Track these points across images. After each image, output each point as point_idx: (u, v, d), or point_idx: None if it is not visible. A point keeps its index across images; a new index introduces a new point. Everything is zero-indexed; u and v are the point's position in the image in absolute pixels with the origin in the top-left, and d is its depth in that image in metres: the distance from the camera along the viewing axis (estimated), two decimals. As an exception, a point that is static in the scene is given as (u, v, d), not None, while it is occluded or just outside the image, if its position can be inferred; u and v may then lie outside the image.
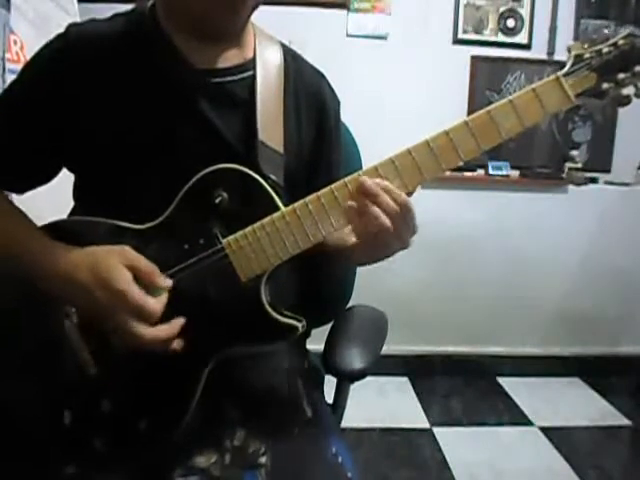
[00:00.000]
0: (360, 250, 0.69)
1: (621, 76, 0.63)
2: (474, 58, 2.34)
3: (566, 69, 0.64)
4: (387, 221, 0.63)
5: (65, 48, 0.74)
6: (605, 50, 0.64)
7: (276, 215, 0.68)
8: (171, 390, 0.71)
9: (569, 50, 0.65)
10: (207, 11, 0.70)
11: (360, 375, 0.89)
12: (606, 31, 0.64)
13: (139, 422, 0.71)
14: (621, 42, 0.63)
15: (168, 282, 0.68)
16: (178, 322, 0.67)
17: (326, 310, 1.08)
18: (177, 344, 0.67)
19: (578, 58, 0.64)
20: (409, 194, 0.66)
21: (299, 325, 0.70)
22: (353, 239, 0.69)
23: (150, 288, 0.66)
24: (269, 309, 0.70)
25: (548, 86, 0.64)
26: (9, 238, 0.73)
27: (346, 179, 0.66)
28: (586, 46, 0.65)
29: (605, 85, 0.64)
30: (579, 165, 2.27)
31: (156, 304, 0.65)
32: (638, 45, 0.63)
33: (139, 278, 0.65)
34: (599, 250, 2.46)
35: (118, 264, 0.65)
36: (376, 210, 0.63)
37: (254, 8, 0.75)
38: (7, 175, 0.79)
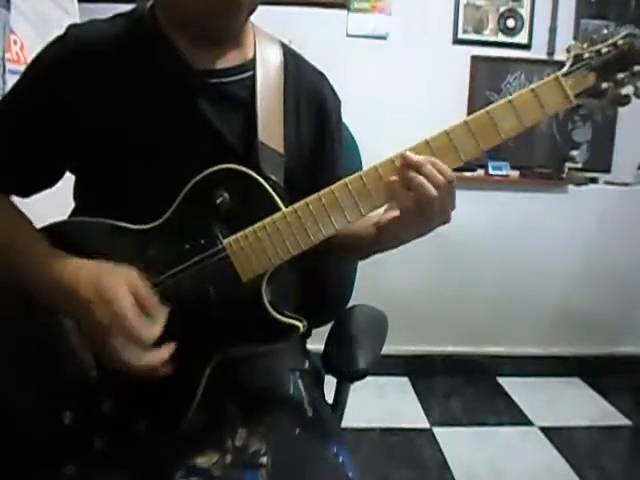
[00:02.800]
0: (402, 226, 0.69)
1: (620, 76, 0.64)
2: (474, 58, 2.34)
3: (565, 69, 0.65)
4: (433, 190, 0.63)
5: (65, 50, 0.74)
6: (604, 50, 0.64)
7: (277, 215, 0.68)
8: (172, 390, 0.71)
9: (568, 50, 0.65)
10: (205, 12, 0.70)
11: (360, 375, 0.89)
12: (605, 31, 0.64)
13: (139, 422, 0.71)
14: (620, 42, 0.63)
15: (165, 313, 0.67)
16: (167, 349, 0.66)
17: (326, 310, 1.08)
18: (166, 370, 0.67)
19: (577, 58, 0.65)
20: None
21: (300, 325, 0.71)
22: (390, 215, 0.69)
23: (147, 315, 0.65)
24: (270, 309, 0.70)
25: (547, 86, 0.64)
26: (10, 246, 0.73)
27: (345, 179, 0.66)
28: (585, 46, 0.65)
29: (604, 85, 0.64)
30: (579, 165, 2.27)
31: (151, 332, 0.64)
32: (637, 45, 0.63)
33: (138, 303, 0.65)
34: (599, 250, 2.46)
35: (122, 285, 0.64)
36: (422, 179, 0.63)
37: (252, 9, 0.75)
38: (11, 178, 0.79)
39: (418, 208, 0.65)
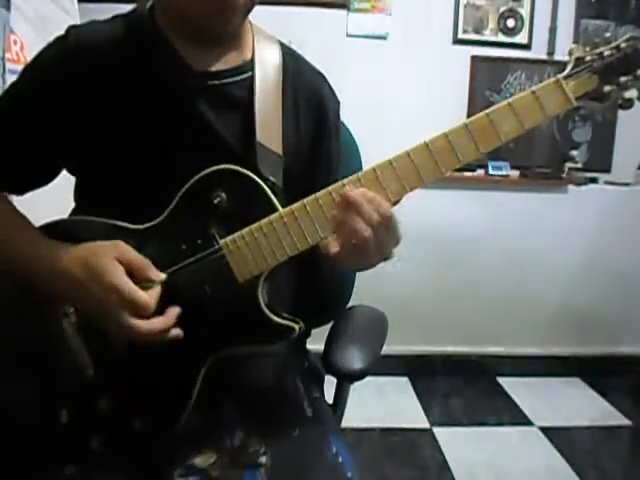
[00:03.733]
0: (343, 259, 0.67)
1: (623, 79, 0.63)
2: (474, 58, 2.34)
3: (567, 71, 0.64)
4: (368, 231, 0.62)
5: (65, 50, 0.74)
6: (607, 53, 0.63)
7: (274, 216, 0.68)
8: (168, 390, 0.71)
9: (570, 53, 0.65)
10: (203, 12, 0.70)
11: (360, 375, 0.89)
12: (608, 34, 0.64)
13: (136, 422, 0.72)
14: (623, 45, 0.63)
15: (161, 275, 0.68)
16: (173, 312, 0.67)
17: (326, 310, 1.08)
18: (175, 333, 0.67)
19: (579, 60, 0.64)
20: (397, 201, 0.66)
21: (296, 326, 0.70)
22: (335, 248, 0.67)
23: (143, 282, 0.66)
24: (266, 310, 0.70)
25: (548, 89, 0.64)
26: (5, 238, 0.74)
27: (330, 187, 0.67)
28: (587, 49, 0.64)
29: (607, 88, 0.63)
30: (579, 165, 2.27)
31: (149, 297, 0.65)
32: None
33: (132, 272, 0.65)
34: (599, 250, 2.46)
35: (111, 258, 0.65)
36: (356, 219, 0.62)
37: (249, 10, 0.75)
38: (6, 176, 0.79)
39: (354, 246, 0.64)
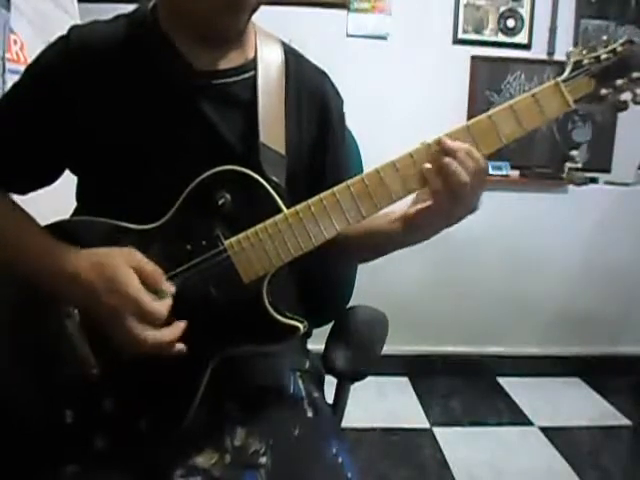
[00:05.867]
0: (431, 215, 0.69)
1: (619, 82, 0.65)
2: (474, 58, 2.34)
3: (565, 75, 0.65)
4: (465, 176, 0.64)
5: (67, 50, 0.74)
6: (604, 56, 0.65)
7: (278, 217, 0.68)
8: (172, 390, 0.71)
9: (568, 56, 0.66)
10: (207, 13, 0.70)
11: (360, 375, 0.89)
12: (605, 37, 0.65)
13: (140, 422, 0.72)
14: (619, 48, 0.64)
15: (171, 287, 0.68)
16: (180, 325, 0.67)
17: (326, 310, 1.08)
18: (180, 347, 0.67)
19: (577, 64, 0.65)
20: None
21: (301, 326, 0.71)
22: (416, 208, 0.70)
23: (154, 291, 0.66)
24: (271, 310, 0.70)
25: (547, 92, 0.65)
26: (12, 238, 0.73)
27: (348, 181, 0.66)
28: (585, 52, 0.66)
29: (603, 91, 0.65)
30: (579, 165, 2.26)
31: (162, 308, 0.65)
32: (636, 51, 0.64)
33: (144, 281, 0.65)
34: (599, 250, 2.46)
35: (124, 265, 0.65)
36: (455, 164, 0.64)
37: (254, 9, 0.75)
38: (10, 176, 0.79)
39: (450, 194, 0.65)
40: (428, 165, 0.66)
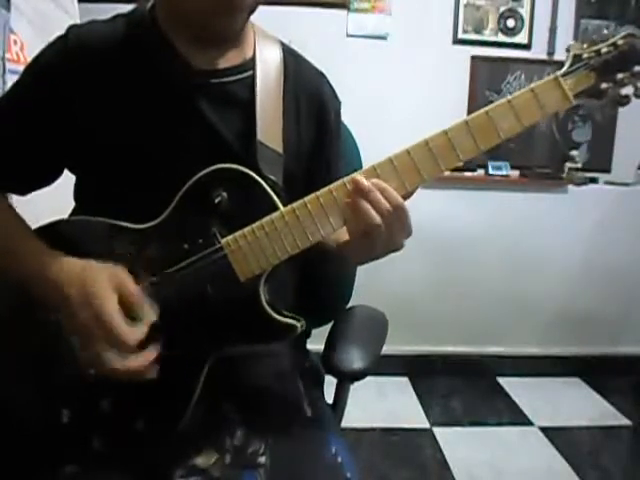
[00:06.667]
0: (352, 249, 0.68)
1: (620, 76, 0.64)
2: (474, 58, 2.34)
3: (565, 69, 0.64)
4: (377, 218, 0.63)
5: (65, 50, 0.74)
6: (604, 50, 0.64)
7: (275, 215, 0.68)
8: (170, 390, 0.71)
9: (568, 50, 0.65)
10: (206, 12, 0.70)
11: (360, 375, 0.89)
12: (606, 31, 0.64)
13: (138, 422, 0.72)
14: (620, 42, 0.63)
15: (152, 316, 0.67)
16: (150, 354, 0.66)
17: (326, 310, 1.08)
18: (150, 376, 0.66)
19: (577, 58, 0.64)
20: (409, 194, 0.66)
21: (298, 325, 0.70)
22: (343, 238, 0.69)
23: (133, 314, 0.65)
24: (268, 308, 0.70)
25: (547, 86, 0.64)
26: (3, 242, 0.73)
27: (345, 179, 0.67)
28: (585, 46, 0.65)
29: (604, 85, 0.64)
30: (579, 165, 2.26)
31: (133, 335, 0.64)
32: (637, 45, 0.63)
33: (123, 301, 0.65)
34: (599, 250, 2.46)
35: (106, 282, 0.64)
36: (366, 206, 0.63)
37: (252, 10, 0.75)
38: (9, 176, 0.79)
39: (364, 233, 0.64)
40: (346, 200, 0.65)
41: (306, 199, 0.67)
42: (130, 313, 0.65)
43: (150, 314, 0.67)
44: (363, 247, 0.67)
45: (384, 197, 0.63)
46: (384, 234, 0.64)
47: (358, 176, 0.64)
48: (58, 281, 0.66)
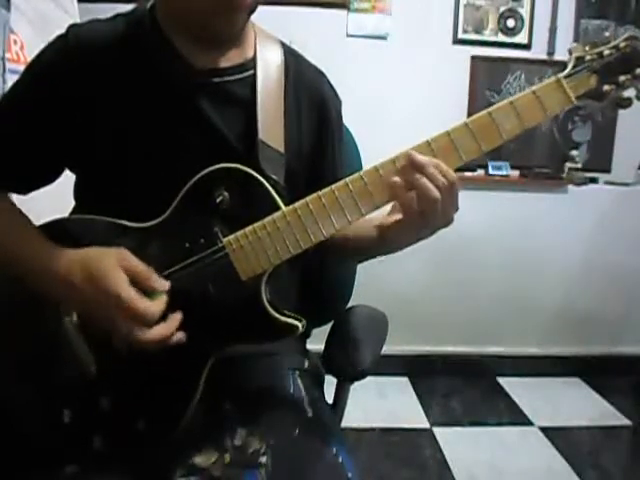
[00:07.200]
0: (404, 228, 0.68)
1: (622, 78, 0.64)
2: (474, 58, 2.34)
3: (567, 71, 0.65)
4: (436, 192, 0.62)
5: (65, 49, 0.75)
6: (606, 52, 0.64)
7: (277, 215, 0.68)
8: (171, 389, 0.71)
9: (570, 52, 0.65)
10: (206, 12, 0.70)
11: (360, 375, 0.89)
12: (607, 33, 0.65)
13: (138, 421, 0.72)
14: (622, 44, 0.64)
15: (165, 284, 0.67)
16: (175, 319, 0.67)
17: (326, 310, 1.08)
18: (177, 338, 0.67)
19: (579, 60, 0.65)
20: None
21: (299, 324, 0.71)
22: (392, 219, 0.68)
23: (148, 291, 0.66)
24: (269, 308, 0.70)
25: (549, 88, 0.64)
26: (8, 239, 0.74)
27: (347, 179, 0.66)
28: (587, 48, 0.65)
29: (606, 87, 0.64)
30: (579, 165, 2.26)
31: (155, 307, 0.64)
32: (639, 47, 0.63)
33: (136, 281, 0.65)
34: (599, 250, 2.46)
35: (114, 265, 0.65)
36: (426, 181, 0.63)
37: (252, 10, 0.75)
38: (10, 176, 0.79)
39: (420, 209, 0.64)
40: (396, 179, 0.65)
41: (308, 198, 0.67)
42: (142, 288, 0.65)
43: (163, 283, 0.67)
44: (417, 224, 0.66)
45: (439, 171, 0.63)
46: (439, 209, 0.64)
47: (412, 152, 0.64)
48: (62, 273, 0.66)
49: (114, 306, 0.63)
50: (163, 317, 0.66)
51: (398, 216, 0.68)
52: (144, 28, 0.76)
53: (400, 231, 0.69)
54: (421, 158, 0.63)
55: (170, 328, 0.66)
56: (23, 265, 0.71)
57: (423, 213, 0.64)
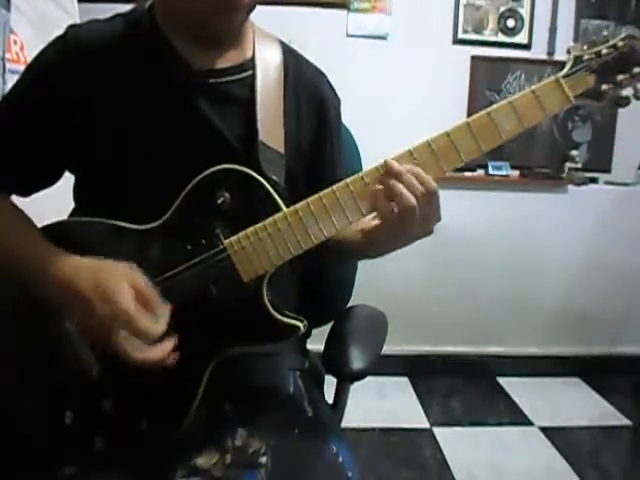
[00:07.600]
0: (383, 234, 0.68)
1: (620, 77, 0.64)
2: (474, 58, 2.34)
3: (565, 70, 0.65)
4: (412, 199, 0.63)
5: (64, 49, 0.75)
6: (604, 52, 0.64)
7: (278, 216, 0.68)
8: (173, 390, 0.71)
9: (569, 52, 0.66)
10: (205, 12, 0.70)
11: (360, 375, 0.89)
12: (605, 32, 0.65)
13: (140, 422, 0.72)
14: (620, 44, 0.64)
15: (166, 310, 0.67)
16: (169, 344, 0.66)
17: (326, 310, 1.08)
18: (170, 361, 0.67)
19: (578, 59, 0.65)
20: None
21: (301, 325, 0.71)
22: (374, 223, 0.69)
23: (147, 309, 0.65)
24: (271, 309, 0.70)
25: (548, 87, 0.64)
26: (10, 241, 0.73)
27: (347, 180, 0.66)
28: (585, 47, 0.65)
29: (604, 86, 0.65)
30: (579, 165, 2.26)
31: (155, 329, 0.64)
32: (637, 47, 0.63)
33: (139, 299, 0.65)
34: (599, 250, 2.46)
35: (122, 281, 0.64)
36: (401, 187, 0.63)
37: (250, 9, 0.75)
38: (10, 176, 0.79)
39: (398, 217, 0.64)
40: (377, 186, 0.65)
41: (309, 199, 0.67)
42: (145, 308, 0.65)
43: (165, 308, 0.67)
44: (396, 232, 0.67)
45: (417, 180, 0.64)
46: (417, 217, 0.64)
47: (389, 160, 0.65)
48: (72, 282, 0.66)
49: (117, 318, 0.63)
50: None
51: (378, 221, 0.68)
52: (143, 28, 0.76)
53: (380, 237, 0.70)
54: (397, 166, 0.64)
55: (162, 352, 0.65)
56: (24, 266, 0.71)
57: (401, 220, 0.65)
